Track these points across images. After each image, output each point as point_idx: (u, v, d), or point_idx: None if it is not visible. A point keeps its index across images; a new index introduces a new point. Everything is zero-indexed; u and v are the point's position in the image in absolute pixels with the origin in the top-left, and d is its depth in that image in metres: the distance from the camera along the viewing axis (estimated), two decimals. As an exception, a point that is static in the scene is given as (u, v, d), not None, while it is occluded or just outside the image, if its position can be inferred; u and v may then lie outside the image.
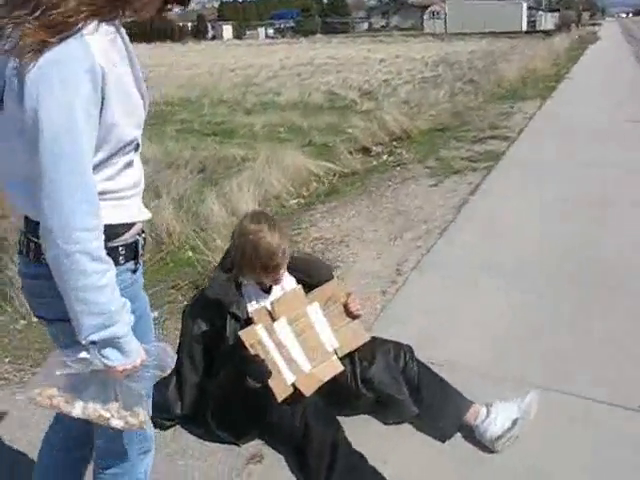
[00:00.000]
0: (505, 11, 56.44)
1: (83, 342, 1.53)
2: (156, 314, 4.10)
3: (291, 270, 2.78)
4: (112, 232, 1.58)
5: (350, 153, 8.34)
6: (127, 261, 1.66)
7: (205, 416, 2.66)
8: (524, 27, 57.07)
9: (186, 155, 8.68)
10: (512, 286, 4.07)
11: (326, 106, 14.01)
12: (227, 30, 64.85)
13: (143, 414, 1.70)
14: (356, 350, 2.71)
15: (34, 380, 1.78)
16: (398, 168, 7.53)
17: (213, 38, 63.39)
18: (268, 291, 2.73)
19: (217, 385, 2.61)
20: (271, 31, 64.61)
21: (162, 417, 2.73)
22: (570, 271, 4.25)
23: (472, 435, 2.62)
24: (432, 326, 3.56)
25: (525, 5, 59.85)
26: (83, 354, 1.58)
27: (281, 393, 2.49)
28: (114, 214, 1.59)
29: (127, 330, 1.56)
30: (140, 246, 1.72)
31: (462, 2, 60.08)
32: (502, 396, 2.71)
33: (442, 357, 3.11)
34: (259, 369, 2.47)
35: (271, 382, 2.48)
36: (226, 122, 12.17)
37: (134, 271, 1.70)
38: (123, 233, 1.63)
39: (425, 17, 63.39)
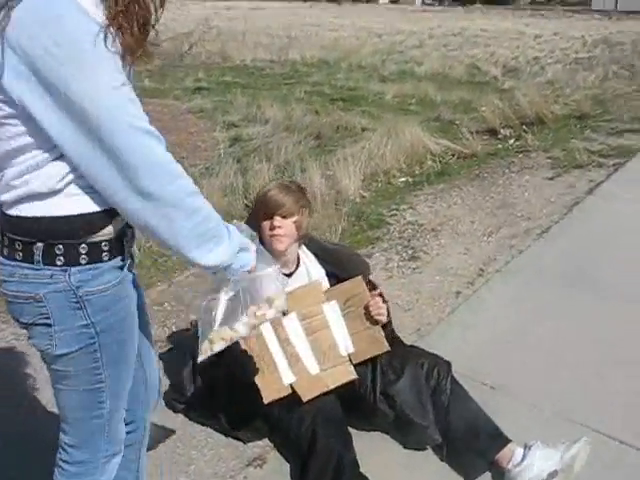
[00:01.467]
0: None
1: (229, 275, 1.53)
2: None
3: (322, 261, 2.63)
4: (93, 222, 1.45)
5: (475, 133, 7.92)
6: (112, 258, 1.51)
7: (213, 404, 2.54)
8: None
9: (307, 119, 8.56)
10: (604, 309, 3.60)
11: (465, 80, 13.44)
12: (384, -7, 64.02)
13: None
14: (377, 357, 2.47)
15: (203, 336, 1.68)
16: (520, 155, 7.06)
17: (369, 0, 62.76)
18: (289, 275, 2.59)
19: (224, 374, 2.48)
20: (429, -3, 63.13)
21: (174, 398, 2.66)
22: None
23: (501, 479, 2.32)
24: (497, 342, 3.24)
25: None
26: (229, 282, 1.58)
27: (271, 394, 2.29)
28: (94, 201, 1.44)
29: (232, 229, 1.56)
30: (126, 241, 1.56)
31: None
32: (550, 437, 2.39)
33: (497, 380, 2.82)
34: (244, 365, 2.30)
35: (259, 380, 2.30)
36: (358, 88, 11.91)
37: (122, 267, 1.55)
38: (105, 225, 1.47)
39: (595, -8, 59.76)
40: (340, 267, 2.67)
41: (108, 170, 1.35)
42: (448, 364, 2.52)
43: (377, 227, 4.96)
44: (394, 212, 5.30)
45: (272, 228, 2.50)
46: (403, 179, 6.38)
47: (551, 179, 6.07)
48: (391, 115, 8.92)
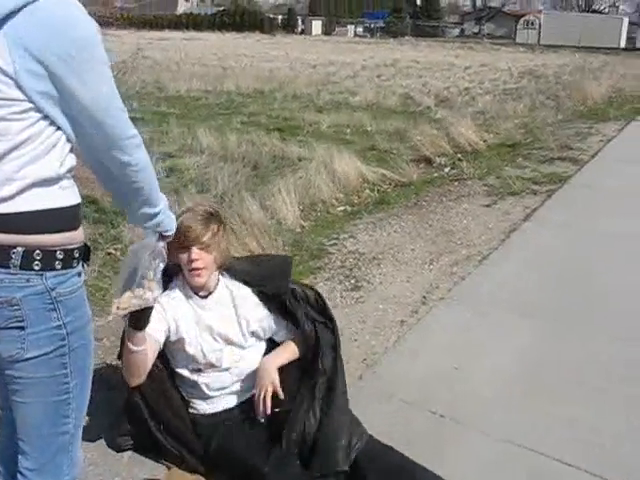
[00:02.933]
0: (604, 25, 54.43)
1: (158, 226, 1.92)
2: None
3: (246, 283, 2.62)
4: (74, 216, 1.64)
5: (411, 162, 8.01)
6: (78, 264, 1.64)
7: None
8: (623, 44, 54.99)
9: (243, 149, 8.52)
10: (546, 335, 3.65)
11: (399, 110, 13.64)
12: (316, 25, 64.81)
13: (159, 290, 2.11)
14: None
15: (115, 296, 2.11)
16: (456, 183, 7.17)
17: (302, 32, 63.51)
18: (205, 297, 2.59)
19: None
20: (360, 29, 64.20)
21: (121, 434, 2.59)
22: (621, 325, 3.77)
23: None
24: (444, 369, 3.22)
25: (627, 20, 57.66)
26: (148, 240, 2.00)
27: None
28: (74, 194, 1.67)
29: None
30: (87, 249, 1.72)
31: (559, 14, 58.45)
32: (499, 464, 2.38)
33: (446, 408, 2.80)
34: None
35: None
36: (294, 118, 11.95)
37: (79, 274, 1.66)
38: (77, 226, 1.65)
39: (519, 26, 61.74)
40: (264, 280, 2.64)
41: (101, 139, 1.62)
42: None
43: (318, 257, 4.92)
44: (334, 241, 5.29)
45: (190, 261, 2.45)
46: (342, 208, 6.38)
47: (487, 206, 6.17)
48: (328, 145, 8.95)
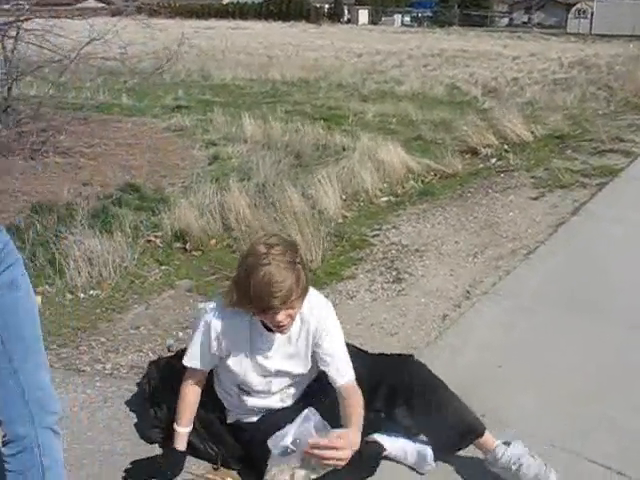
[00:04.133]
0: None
1: None
2: (202, 305, 3.90)
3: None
4: None
5: (457, 153, 7.86)
6: None
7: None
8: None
9: (287, 138, 8.46)
10: (596, 335, 3.50)
11: (446, 100, 13.44)
12: (363, 14, 64.37)
13: None
14: None
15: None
16: (502, 175, 7.00)
17: (348, 22, 63.17)
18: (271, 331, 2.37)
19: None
20: (407, 19, 63.51)
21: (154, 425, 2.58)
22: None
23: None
24: (487, 366, 3.12)
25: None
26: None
27: None
28: None
29: None
30: None
31: (613, 2, 56.98)
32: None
33: (488, 406, 2.70)
34: None
35: None
36: (339, 108, 11.84)
37: None
38: None
39: (570, 16, 60.40)
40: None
41: None
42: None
43: (360, 248, 4.84)
44: (377, 232, 5.20)
45: (276, 323, 2.21)
46: (385, 199, 6.28)
47: (535, 199, 6.01)
48: (372, 134, 8.84)
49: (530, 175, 6.89)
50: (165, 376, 2.66)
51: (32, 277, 3.90)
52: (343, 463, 2.17)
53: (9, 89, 7.75)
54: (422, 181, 6.84)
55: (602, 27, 51.86)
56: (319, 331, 2.36)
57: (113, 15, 8.90)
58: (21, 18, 7.21)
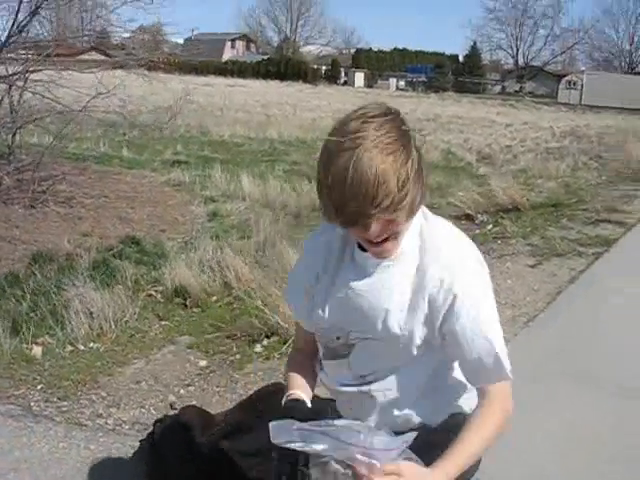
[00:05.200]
0: (654, 87, 54.39)
1: None
2: (204, 363, 3.89)
3: None
4: None
5: (452, 218, 7.94)
6: None
7: None
8: (666, 107, 54.74)
9: (286, 198, 8.54)
10: (601, 404, 3.49)
11: (441, 165, 13.61)
12: (359, 77, 65.73)
13: None
14: None
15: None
16: (499, 241, 7.07)
17: (345, 84, 64.43)
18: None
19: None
20: (402, 83, 64.91)
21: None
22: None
23: None
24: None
25: (670, 85, 57.50)
26: None
27: None
28: None
29: None
30: None
31: (602, 74, 58.47)
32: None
33: (491, 472, 2.69)
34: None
35: None
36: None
37: None
38: None
39: (561, 86, 61.88)
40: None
41: None
42: None
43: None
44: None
45: (370, 236, 1.53)
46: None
47: (533, 267, 6.06)
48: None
49: (526, 242, 6.95)
50: (170, 436, 2.63)
51: (33, 327, 3.93)
52: None
53: (13, 135, 7.84)
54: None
55: (592, 98, 53.10)
56: (442, 292, 1.61)
57: (114, 68, 9.05)
58: (30, 69, 7.33)
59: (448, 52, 74.77)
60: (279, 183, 9.28)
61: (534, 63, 71.61)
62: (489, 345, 1.65)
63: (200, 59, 53.22)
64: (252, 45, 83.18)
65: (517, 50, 71.07)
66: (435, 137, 18.75)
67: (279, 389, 2.03)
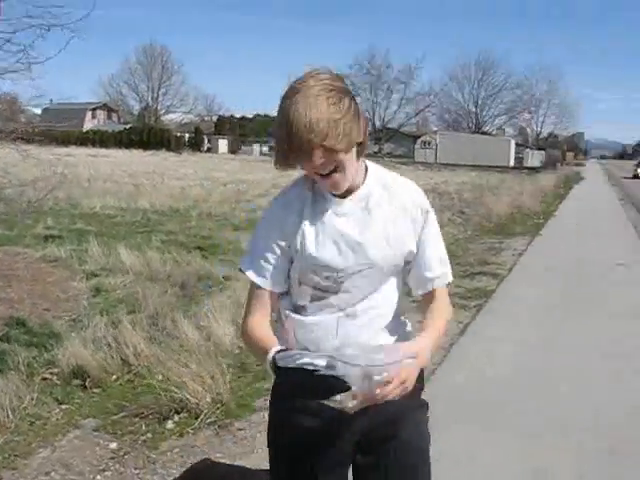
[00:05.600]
0: (494, 146, 58.37)
1: None
2: (114, 446, 3.77)
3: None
4: None
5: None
6: None
7: None
8: (511, 162, 58.77)
9: (168, 269, 8.45)
10: (499, 444, 3.73)
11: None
12: (222, 144, 66.38)
13: None
14: None
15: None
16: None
17: (208, 150, 64.79)
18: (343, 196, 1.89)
19: None
20: (265, 148, 66.10)
21: None
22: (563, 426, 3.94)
23: None
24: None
25: (513, 142, 61.96)
26: None
27: None
28: None
29: None
30: None
31: (453, 134, 62.06)
32: None
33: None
34: None
35: None
36: (212, 237, 11.97)
37: None
38: None
39: (417, 146, 65.24)
40: None
41: None
42: None
43: (264, 378, 4.86)
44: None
45: (316, 167, 1.74)
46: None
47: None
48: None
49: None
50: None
51: None
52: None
53: None
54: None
55: (446, 157, 56.23)
56: (419, 210, 1.95)
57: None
58: None
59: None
60: (159, 254, 9.17)
61: (390, 125, 74.98)
62: (443, 248, 2.02)
63: (61, 129, 51.94)
64: (113, 114, 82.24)
65: (374, 113, 74.13)
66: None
67: (209, 466, 2.05)
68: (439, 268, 1.99)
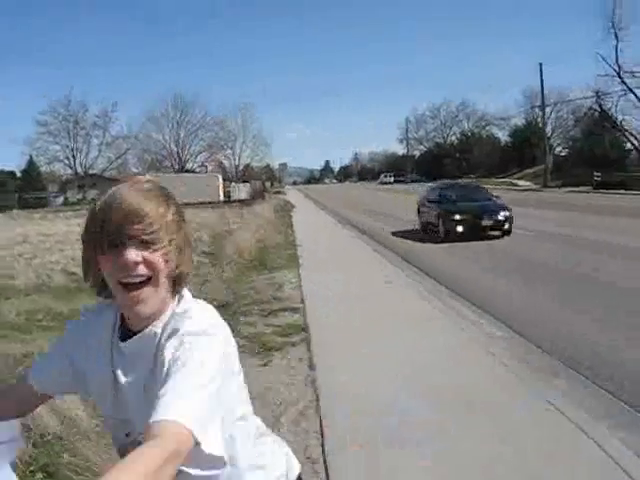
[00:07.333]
0: (204, 183, 59.49)
1: None
2: None
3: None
4: None
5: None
6: None
7: None
8: (222, 197, 60.37)
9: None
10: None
11: (73, 287, 13.27)
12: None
13: None
14: None
15: None
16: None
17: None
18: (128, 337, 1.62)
19: None
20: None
21: None
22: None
23: None
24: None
25: (221, 177, 63.84)
26: None
27: None
28: None
29: None
30: None
31: (162, 176, 62.14)
32: None
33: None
34: None
35: None
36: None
37: None
38: None
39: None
40: None
41: None
42: None
43: None
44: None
45: (126, 264, 1.50)
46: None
47: (265, 365, 6.49)
48: (41, 334, 8.48)
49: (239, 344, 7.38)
50: None
51: None
52: None
53: None
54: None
55: (187, 196, 56.03)
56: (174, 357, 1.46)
57: None
58: None
59: (7, 169, 71.58)
60: None
61: (93, 171, 73.07)
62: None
63: None
64: None
65: (74, 160, 71.77)
66: (42, 260, 17.91)
67: None
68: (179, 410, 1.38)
